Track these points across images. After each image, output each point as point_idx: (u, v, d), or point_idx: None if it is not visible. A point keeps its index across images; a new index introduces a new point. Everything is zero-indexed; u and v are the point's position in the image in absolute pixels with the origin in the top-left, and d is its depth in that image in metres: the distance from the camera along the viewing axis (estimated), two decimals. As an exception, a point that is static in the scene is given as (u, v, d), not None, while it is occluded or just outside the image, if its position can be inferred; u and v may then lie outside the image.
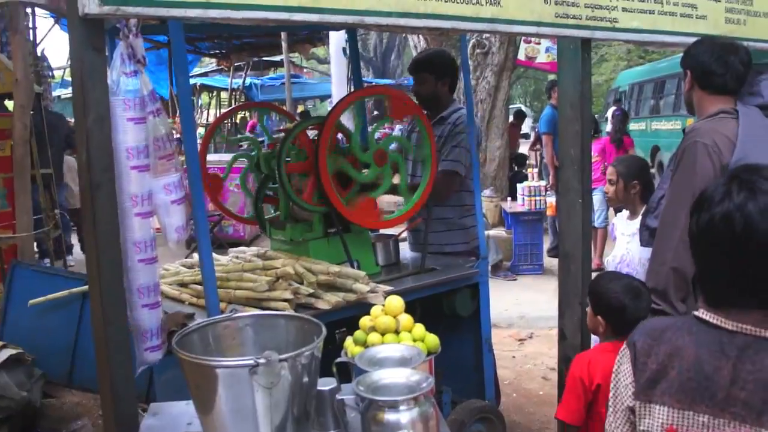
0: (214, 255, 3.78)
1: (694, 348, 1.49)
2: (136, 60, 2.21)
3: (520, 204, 8.37)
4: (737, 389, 1.43)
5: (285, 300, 2.88)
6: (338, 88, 9.52)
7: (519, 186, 8.54)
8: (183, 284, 3.35)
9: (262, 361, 1.57)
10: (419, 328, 2.32)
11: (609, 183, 3.80)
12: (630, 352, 1.59)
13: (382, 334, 2.26)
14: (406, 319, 2.31)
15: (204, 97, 22.24)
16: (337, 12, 2.16)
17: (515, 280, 8.11)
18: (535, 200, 8.13)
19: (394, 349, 2.00)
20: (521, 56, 11.69)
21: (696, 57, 2.88)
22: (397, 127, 11.96)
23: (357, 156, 3.35)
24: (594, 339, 3.22)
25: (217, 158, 9.19)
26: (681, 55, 3.03)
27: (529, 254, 8.30)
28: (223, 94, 20.70)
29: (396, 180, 3.54)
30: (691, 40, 3.03)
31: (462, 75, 3.77)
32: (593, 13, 2.89)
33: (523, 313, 6.73)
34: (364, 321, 2.33)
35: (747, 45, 3.47)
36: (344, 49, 9.22)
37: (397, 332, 2.28)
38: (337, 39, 9.64)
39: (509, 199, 9.19)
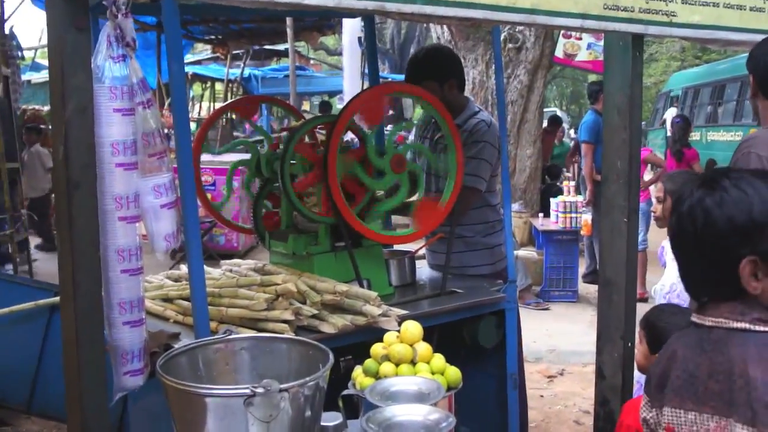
0: (205, 268, 3.80)
1: (683, 349, 1.74)
2: (125, 43, 2.21)
3: (554, 221, 8.37)
4: (713, 382, 1.64)
5: (285, 321, 2.86)
6: (351, 83, 9.51)
7: (552, 201, 8.54)
8: (168, 299, 3.35)
9: (259, 390, 1.56)
10: (439, 359, 2.31)
11: (657, 201, 3.79)
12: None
13: (397, 365, 2.26)
14: (424, 348, 2.30)
15: (196, 88, 22.34)
16: (356, -5, 2.17)
17: (547, 309, 8.09)
18: (571, 217, 8.12)
19: (411, 382, 1.99)
20: (559, 53, 11.67)
21: (759, 59, 2.86)
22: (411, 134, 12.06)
23: (372, 161, 3.35)
24: (636, 379, 3.21)
25: (209, 158, 9.25)
26: (745, 55, 3.02)
27: (561, 279, 8.28)
28: (219, 86, 20.79)
29: (414, 196, 3.54)
30: (761, 38, 3.02)
31: (495, 72, 3.77)
32: (647, 5, 2.88)
33: (554, 346, 6.70)
34: (377, 349, 2.32)
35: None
36: (360, 39, 9.22)
37: (413, 363, 2.27)
38: (351, 27, 9.65)
39: (541, 215, 9.16)
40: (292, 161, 3.37)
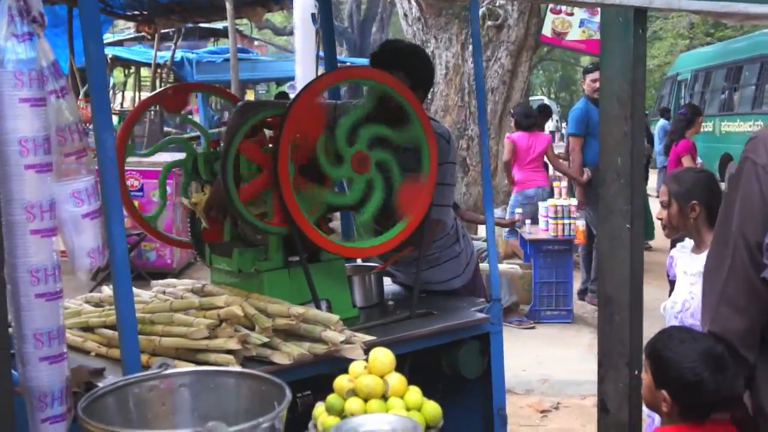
0: (133, 290, 3.78)
1: None
2: (32, 18, 2.18)
3: (543, 229, 8.44)
4: None
5: (229, 352, 2.86)
6: (304, 68, 9.40)
7: (541, 205, 8.61)
8: (88, 328, 3.34)
9: (205, 435, 1.56)
10: (415, 393, 2.32)
11: (661, 206, 3.81)
12: None
13: (365, 400, 2.26)
14: (397, 380, 2.31)
15: (117, 74, 22.18)
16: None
17: (533, 327, 8.17)
18: (563, 224, 8.15)
19: (383, 420, 2.00)
20: (547, 32, 11.76)
21: None
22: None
23: (329, 174, 3.33)
24: (646, 414, 3.23)
25: (136, 160, 9.15)
26: (766, 31, 3.04)
27: (554, 296, 8.32)
28: (145, 71, 20.67)
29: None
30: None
31: (473, 54, 3.79)
32: (651, -26, 2.92)
33: (547, 376, 6.71)
34: (341, 382, 2.33)
35: None
36: (313, 16, 9.15)
37: (385, 398, 2.28)
38: (303, 2, 9.59)
39: (528, 221, 9.18)
40: (235, 161, 3.37)
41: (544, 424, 5.92)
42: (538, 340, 7.73)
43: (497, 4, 11.20)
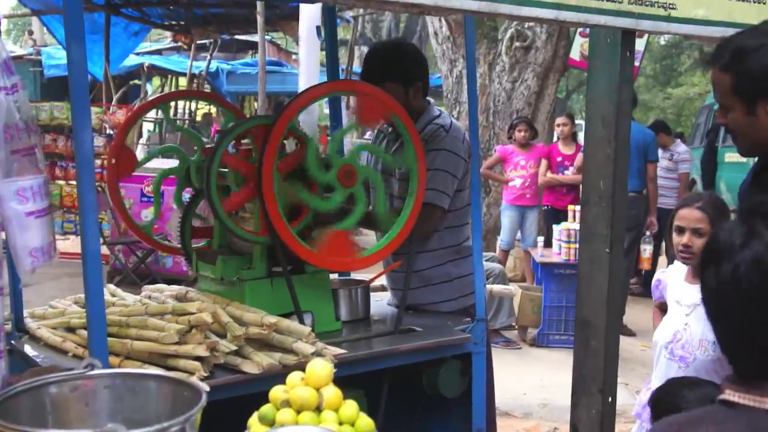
0: (121, 292, 3.76)
1: None
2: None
3: (556, 252, 8.35)
4: None
5: (197, 358, 2.84)
6: (308, 80, 9.34)
7: (555, 228, 8.53)
8: (70, 329, 3.32)
9: (103, 438, 1.53)
10: (350, 407, 2.27)
11: (695, 235, 3.62)
12: None
13: (298, 412, 2.22)
14: (332, 393, 2.26)
15: (155, 82, 22.34)
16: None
17: (519, 348, 8.19)
18: (576, 248, 8.06)
19: (308, 433, 1.95)
20: (575, 55, 11.66)
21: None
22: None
23: (315, 177, 3.30)
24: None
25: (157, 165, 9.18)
26: None
27: (563, 321, 8.21)
28: (182, 81, 20.76)
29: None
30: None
31: (467, 73, 3.76)
32: (640, -5, 2.88)
33: (548, 400, 6.64)
34: (276, 392, 2.28)
35: None
36: (318, 29, 9.11)
37: (318, 410, 2.23)
38: (309, 15, 9.50)
39: (541, 242, 9.12)
40: (224, 170, 3.35)
41: (539, 449, 5.87)
42: (543, 364, 7.64)
43: (526, 26, 11.17)
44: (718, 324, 1.60)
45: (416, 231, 3.54)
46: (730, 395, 1.56)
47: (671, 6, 2.95)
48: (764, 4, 3.22)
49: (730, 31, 3.12)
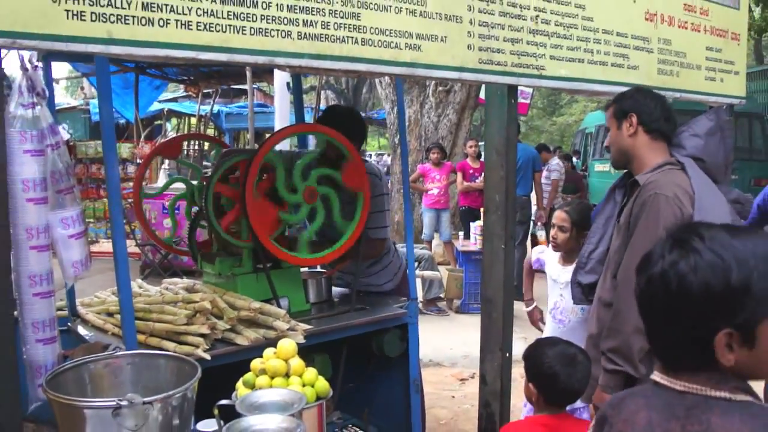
0: (146, 285, 3.74)
1: (646, 411, 1.47)
2: (36, 92, 2.17)
3: (473, 243, 8.40)
4: None
5: (202, 335, 2.83)
6: (281, 124, 9.37)
7: (472, 225, 8.61)
8: (109, 314, 3.29)
9: (124, 403, 1.53)
10: (311, 373, 2.28)
11: (560, 231, 3.71)
12: (595, 426, 1.57)
13: (272, 378, 2.22)
14: (297, 363, 2.27)
15: (173, 121, 22.20)
16: (246, 52, 2.13)
17: (448, 315, 8.22)
18: (487, 239, 8.14)
19: (277, 393, 1.96)
20: (483, 96, 11.76)
21: (640, 101, 2.82)
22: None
23: (286, 199, 3.30)
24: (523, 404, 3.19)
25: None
26: None
27: (479, 293, 8.22)
28: (193, 120, 20.60)
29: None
30: (623, 89, 3.05)
31: (398, 113, 3.76)
32: (519, 60, 2.90)
33: (468, 353, 6.67)
34: (255, 363, 2.29)
35: (679, 96, 3.52)
36: (288, 84, 9.11)
37: (287, 376, 2.24)
38: (280, 74, 9.52)
39: (461, 235, 9.25)
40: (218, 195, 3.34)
41: (461, 389, 5.89)
42: (465, 327, 7.65)
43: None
44: (644, 321, 1.51)
45: (367, 254, 3.63)
46: (656, 377, 1.49)
47: (542, 68, 2.99)
48: (606, 65, 3.28)
49: (584, 85, 3.20)
